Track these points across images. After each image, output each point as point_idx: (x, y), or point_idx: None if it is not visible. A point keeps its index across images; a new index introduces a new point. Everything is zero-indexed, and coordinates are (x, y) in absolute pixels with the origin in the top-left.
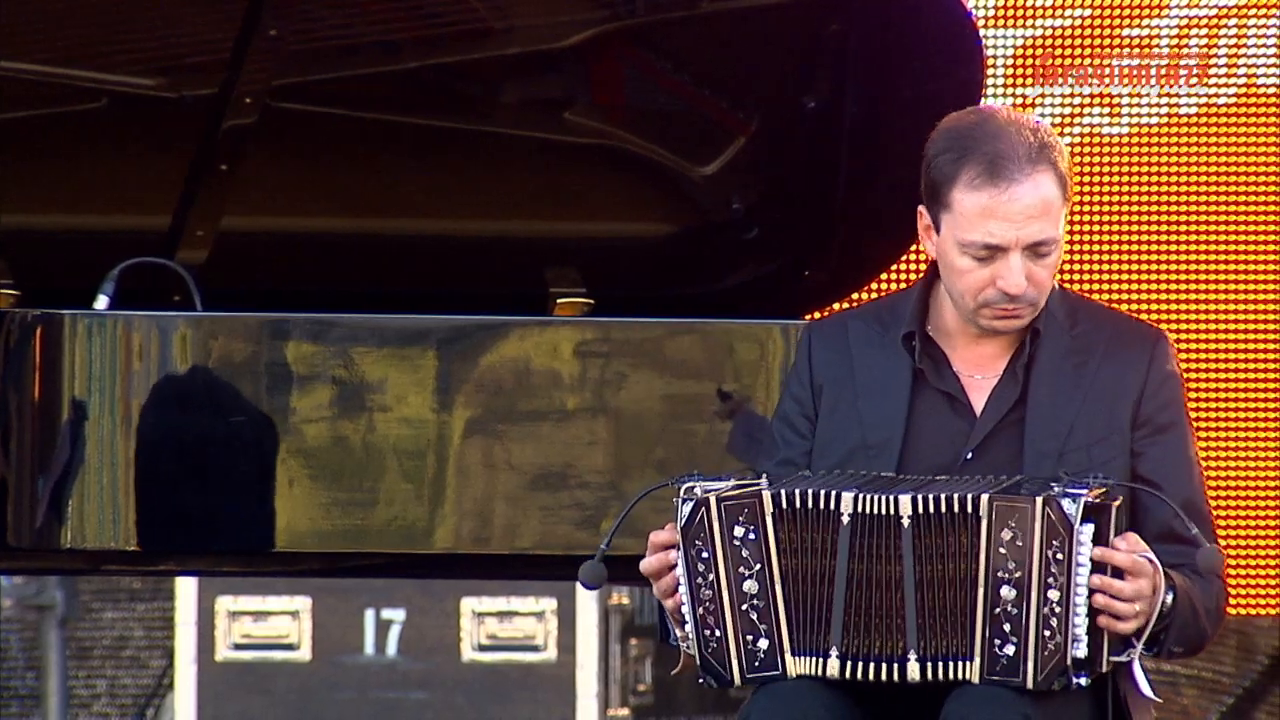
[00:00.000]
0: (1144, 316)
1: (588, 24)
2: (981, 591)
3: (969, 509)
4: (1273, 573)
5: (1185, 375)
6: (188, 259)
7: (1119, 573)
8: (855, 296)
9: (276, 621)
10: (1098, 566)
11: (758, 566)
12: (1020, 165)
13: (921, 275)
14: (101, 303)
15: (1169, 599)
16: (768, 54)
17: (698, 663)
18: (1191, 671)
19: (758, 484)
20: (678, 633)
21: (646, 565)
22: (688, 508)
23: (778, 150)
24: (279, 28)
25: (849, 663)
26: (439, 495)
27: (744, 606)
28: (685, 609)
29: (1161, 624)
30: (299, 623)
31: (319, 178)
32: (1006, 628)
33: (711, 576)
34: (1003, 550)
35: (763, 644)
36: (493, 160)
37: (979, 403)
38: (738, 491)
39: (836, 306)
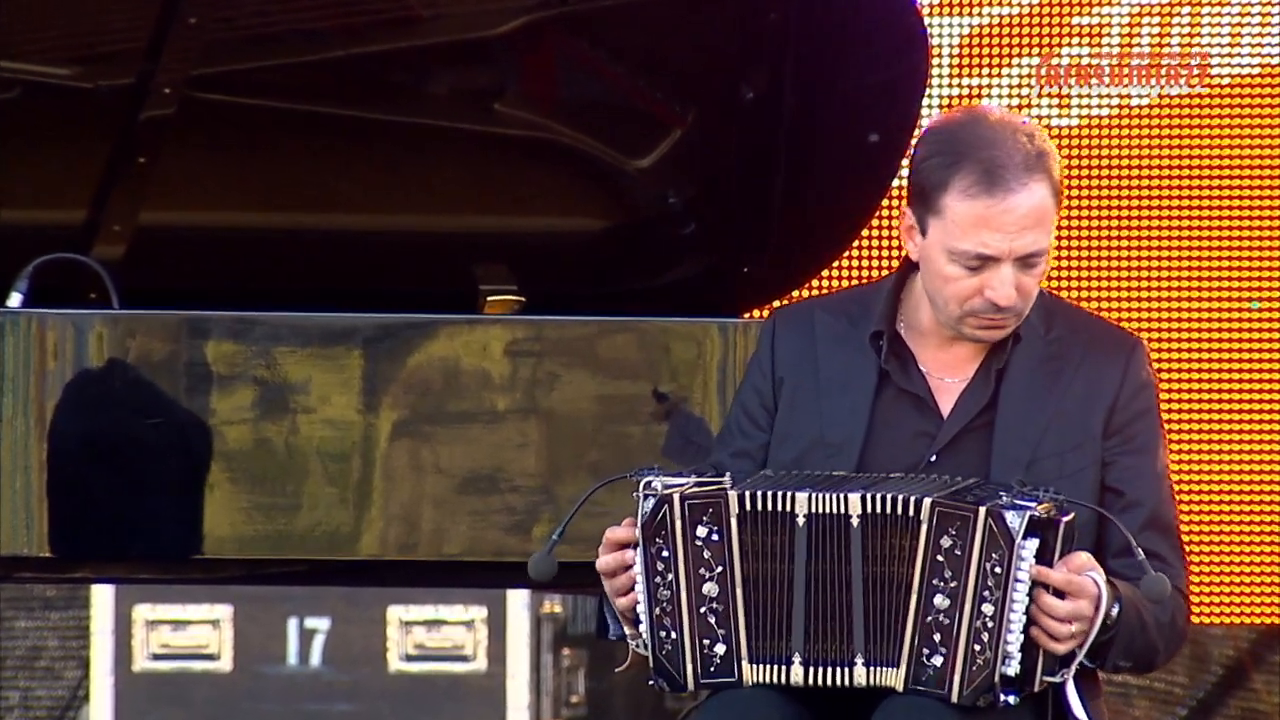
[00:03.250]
0: (1093, 300)
1: (519, 11)
2: (915, 598)
3: (910, 511)
4: (1226, 580)
5: None
6: (104, 255)
7: (1060, 592)
8: (795, 294)
9: (196, 630)
10: (1038, 584)
11: (719, 569)
12: (1018, 174)
13: (896, 269)
14: (15, 300)
15: (1114, 611)
16: (705, 43)
17: (651, 665)
18: (1144, 683)
19: (722, 483)
20: (627, 630)
21: (602, 563)
22: (650, 504)
23: (715, 143)
24: (199, 15)
25: (810, 668)
26: (365, 499)
27: (702, 609)
28: (641, 608)
29: (1105, 635)
30: (219, 632)
31: (240, 171)
32: (936, 638)
33: (671, 577)
34: (940, 558)
35: (719, 649)
36: (421, 153)
37: (946, 405)
38: (702, 490)
39: (776, 304)
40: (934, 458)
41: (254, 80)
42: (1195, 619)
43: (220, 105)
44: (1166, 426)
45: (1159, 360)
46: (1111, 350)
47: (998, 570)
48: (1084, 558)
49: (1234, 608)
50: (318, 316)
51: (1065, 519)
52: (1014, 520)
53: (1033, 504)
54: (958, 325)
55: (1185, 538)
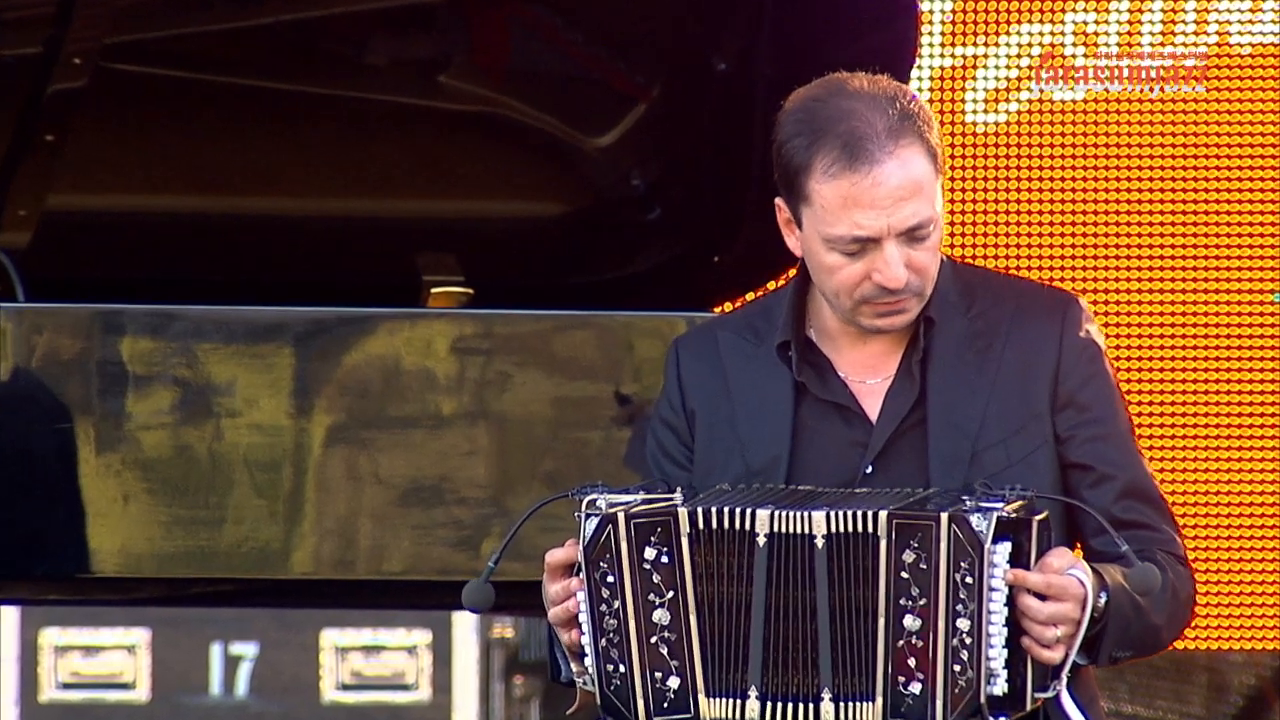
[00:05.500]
0: (1099, 296)
1: None
2: (882, 622)
3: (868, 527)
4: (1247, 603)
5: (1141, 367)
6: (8, 242)
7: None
8: (771, 285)
9: (110, 657)
10: (1016, 588)
11: (670, 594)
12: (881, 143)
13: (794, 275)
14: None
15: (1101, 601)
16: (672, 9)
17: (598, 701)
18: (1155, 714)
19: (671, 499)
20: (574, 667)
21: (550, 592)
22: (592, 525)
23: (683, 119)
24: None
25: (768, 704)
26: (296, 513)
27: (653, 639)
28: (585, 639)
29: (1095, 628)
30: (136, 658)
31: (159, 150)
32: (912, 663)
33: (617, 604)
34: (905, 575)
35: (673, 682)
36: (358, 130)
37: (872, 410)
38: (649, 508)
39: (749, 296)
40: (870, 468)
41: (174, 49)
42: (1213, 645)
43: (136, 77)
44: (1187, 435)
45: (1179, 365)
46: (1043, 313)
47: (969, 580)
48: (1065, 556)
49: (1255, 631)
50: (244, 310)
51: (1038, 517)
52: (980, 524)
53: (999, 504)
54: (855, 317)
55: (1204, 556)
